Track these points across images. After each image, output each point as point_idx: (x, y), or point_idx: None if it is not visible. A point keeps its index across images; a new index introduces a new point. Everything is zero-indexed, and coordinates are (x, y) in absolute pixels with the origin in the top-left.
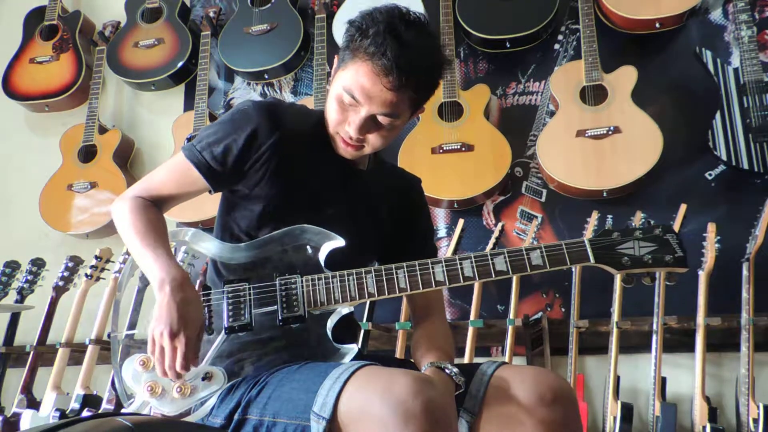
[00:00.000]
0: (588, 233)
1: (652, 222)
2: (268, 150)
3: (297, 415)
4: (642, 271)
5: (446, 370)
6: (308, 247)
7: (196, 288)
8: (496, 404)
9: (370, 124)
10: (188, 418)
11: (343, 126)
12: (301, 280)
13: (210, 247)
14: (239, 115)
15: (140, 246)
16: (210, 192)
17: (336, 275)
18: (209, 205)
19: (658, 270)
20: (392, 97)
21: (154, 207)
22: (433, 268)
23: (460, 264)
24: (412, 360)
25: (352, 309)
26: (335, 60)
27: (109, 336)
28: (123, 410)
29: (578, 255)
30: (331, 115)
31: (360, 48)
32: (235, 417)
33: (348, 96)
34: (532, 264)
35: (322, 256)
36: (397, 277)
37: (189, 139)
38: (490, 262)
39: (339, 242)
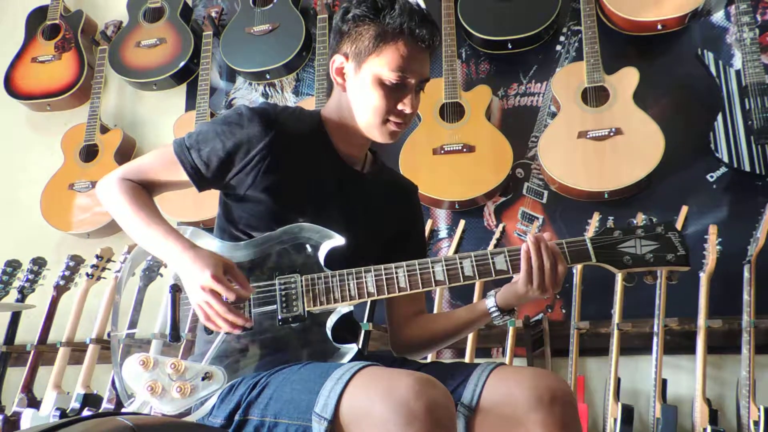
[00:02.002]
0: (589, 234)
1: (654, 220)
2: (260, 153)
3: (299, 416)
4: (643, 270)
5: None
6: (308, 245)
7: None
8: (494, 405)
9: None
10: (188, 418)
11: (395, 108)
12: (301, 280)
13: (209, 245)
14: (232, 119)
15: (142, 223)
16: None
17: (335, 274)
18: (210, 204)
19: (659, 269)
20: (427, 60)
21: (144, 188)
22: (433, 267)
23: (460, 263)
24: (412, 359)
25: (351, 308)
26: (344, 46)
27: (109, 335)
28: (123, 410)
29: (579, 253)
30: (377, 102)
31: (388, 28)
32: (236, 418)
33: (396, 77)
34: None
35: (321, 254)
36: (396, 277)
37: None
38: (491, 261)
39: (339, 241)
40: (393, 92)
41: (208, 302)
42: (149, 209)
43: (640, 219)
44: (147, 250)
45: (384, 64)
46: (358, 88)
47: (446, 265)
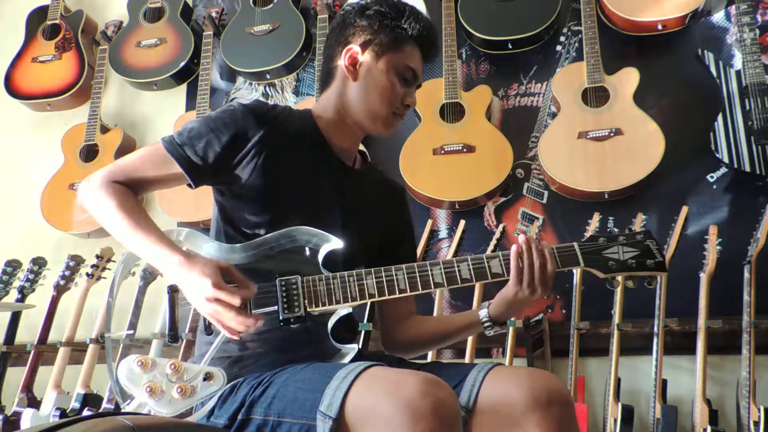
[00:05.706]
0: (589, 235)
1: (632, 229)
2: (255, 146)
3: (303, 415)
4: (626, 275)
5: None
6: (307, 248)
7: None
8: (491, 405)
9: None
10: (189, 419)
11: (403, 101)
12: (302, 281)
13: (206, 247)
14: (225, 114)
15: (131, 229)
16: (191, 186)
17: (336, 276)
18: (210, 204)
19: (641, 273)
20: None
21: (131, 190)
22: (431, 270)
23: (458, 266)
24: (411, 360)
25: (351, 309)
26: (359, 38)
27: (101, 337)
28: (123, 410)
29: (569, 258)
30: (389, 93)
31: (403, 32)
32: (239, 417)
33: (411, 74)
34: None
35: (320, 257)
36: (397, 279)
37: None
38: (486, 264)
39: (337, 244)
40: (404, 88)
41: (217, 311)
42: (138, 214)
43: (639, 219)
44: (138, 255)
45: (403, 61)
46: (375, 77)
47: (444, 268)
